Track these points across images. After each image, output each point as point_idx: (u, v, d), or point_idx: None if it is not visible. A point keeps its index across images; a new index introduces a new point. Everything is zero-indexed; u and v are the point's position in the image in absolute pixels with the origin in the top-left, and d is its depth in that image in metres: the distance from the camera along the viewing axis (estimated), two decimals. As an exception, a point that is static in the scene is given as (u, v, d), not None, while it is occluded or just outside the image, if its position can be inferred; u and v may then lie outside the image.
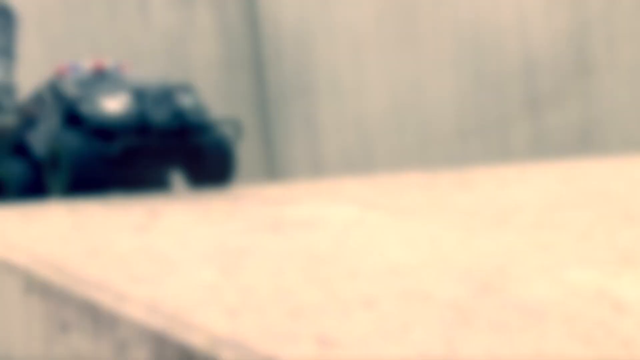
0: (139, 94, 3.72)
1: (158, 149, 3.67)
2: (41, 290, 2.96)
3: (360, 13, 12.17)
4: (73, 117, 3.88)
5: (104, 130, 3.70)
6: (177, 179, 4.62)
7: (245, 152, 12.74)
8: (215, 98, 13.08)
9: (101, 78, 4.05)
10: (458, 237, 3.44)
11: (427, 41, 11.28)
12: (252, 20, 14.11)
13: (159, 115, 3.59)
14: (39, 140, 4.09)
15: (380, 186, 4.33)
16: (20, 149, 4.51)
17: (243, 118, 12.90)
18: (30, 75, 12.95)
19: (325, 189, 4.26)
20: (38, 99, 4.24)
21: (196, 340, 2.52)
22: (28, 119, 4.30)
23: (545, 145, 10.19)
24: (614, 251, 3.30)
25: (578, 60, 9.94)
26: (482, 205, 3.93)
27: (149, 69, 13.27)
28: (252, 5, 14.65)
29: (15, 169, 4.32)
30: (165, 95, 3.73)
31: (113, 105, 3.63)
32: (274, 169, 12.86)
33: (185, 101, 3.81)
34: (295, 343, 2.43)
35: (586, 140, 9.83)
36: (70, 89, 4.13)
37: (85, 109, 3.93)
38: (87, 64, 4.12)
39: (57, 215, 3.50)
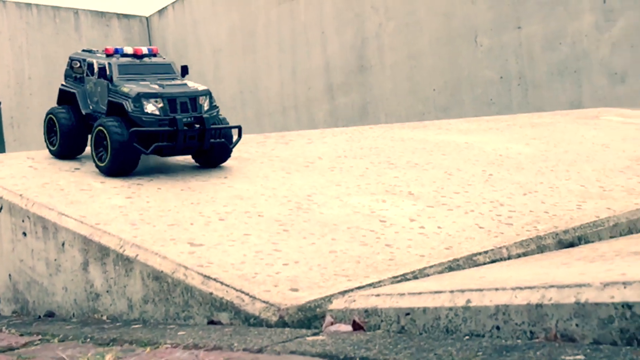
0: (172, 100, 3.19)
1: (180, 148, 3.24)
2: (9, 209, 2.88)
3: (217, 31, 12.10)
4: (118, 106, 3.23)
5: (144, 131, 3.13)
6: None
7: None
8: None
9: (140, 63, 3.35)
10: (280, 176, 3.43)
11: (261, 50, 11.29)
12: (148, 37, 13.89)
13: (186, 120, 3.14)
14: (84, 98, 3.41)
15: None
16: (68, 98, 3.61)
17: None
18: (3, 72, 12.67)
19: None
20: (88, 66, 3.41)
21: (110, 242, 2.48)
22: (76, 74, 3.48)
23: (337, 118, 10.28)
24: (381, 185, 3.34)
25: (358, 63, 10.02)
26: (296, 156, 3.93)
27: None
28: (148, 27, 14.54)
29: (64, 114, 3.48)
30: (192, 101, 3.22)
31: (152, 109, 3.12)
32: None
33: (204, 106, 3.29)
34: (174, 244, 2.40)
35: (363, 115, 9.94)
36: (116, 74, 3.27)
37: (130, 108, 3.14)
38: (128, 50, 3.39)
39: (20, 161, 3.40)
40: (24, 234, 2.86)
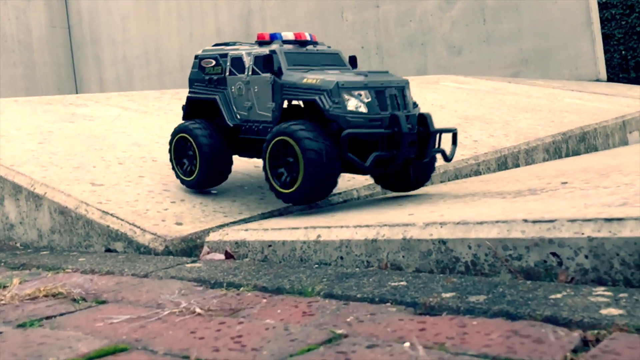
0: (380, 93, 1.99)
1: (402, 158, 1.98)
2: None
3: (125, 0, 11.71)
4: (306, 104, 2.07)
5: (363, 134, 1.93)
6: None
7: (61, 77, 12.27)
8: (48, 46, 12.34)
9: (307, 52, 2.17)
10: (174, 127, 3.35)
11: (163, 17, 10.97)
12: (65, 4, 13.29)
13: (407, 120, 1.97)
14: (228, 105, 2.22)
15: (134, 98, 4.17)
16: (201, 109, 2.36)
17: (61, 58, 12.44)
18: None
19: (102, 98, 4.06)
20: (232, 62, 2.20)
21: (22, 181, 2.39)
22: (210, 76, 2.27)
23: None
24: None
25: (245, 30, 9.90)
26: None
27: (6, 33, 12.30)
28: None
29: (203, 131, 2.24)
30: (401, 94, 2.04)
31: (357, 105, 1.95)
32: (77, 87, 12.33)
33: (412, 101, 2.08)
34: (78, 184, 2.32)
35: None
36: (285, 65, 2.07)
37: (328, 104, 1.93)
38: (288, 35, 2.18)
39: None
40: None
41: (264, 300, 1.30)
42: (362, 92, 1.96)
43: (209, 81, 2.28)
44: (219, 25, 10.37)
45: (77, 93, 12.33)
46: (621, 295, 1.09)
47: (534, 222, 1.32)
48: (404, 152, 1.95)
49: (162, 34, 11.10)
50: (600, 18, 8.89)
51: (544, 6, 7.88)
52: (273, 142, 1.98)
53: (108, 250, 2.05)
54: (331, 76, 2.01)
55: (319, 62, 2.18)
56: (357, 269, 1.52)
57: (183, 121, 2.36)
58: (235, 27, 10.13)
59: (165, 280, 1.54)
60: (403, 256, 1.49)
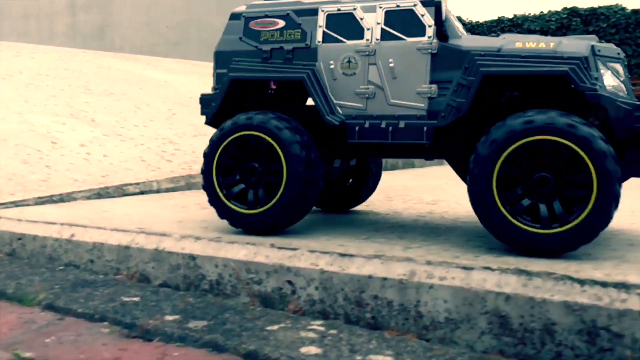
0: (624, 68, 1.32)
1: None
2: None
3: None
4: (539, 82, 1.39)
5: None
6: None
7: None
8: None
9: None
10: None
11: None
12: None
13: None
14: (327, 93, 1.45)
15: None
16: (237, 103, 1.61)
17: None
18: None
19: None
20: (334, 22, 1.46)
21: None
22: (273, 45, 1.51)
23: (76, 33, 9.76)
24: (68, 108, 3.17)
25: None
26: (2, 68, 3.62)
27: None
28: None
29: (288, 129, 1.40)
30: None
31: (614, 83, 1.27)
32: None
33: None
34: None
35: (100, 35, 9.50)
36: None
37: (587, 80, 1.23)
38: None
39: None
40: None
41: (-25, 306, 1.22)
42: (618, 66, 1.34)
43: (271, 53, 1.53)
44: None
45: None
46: (331, 332, 1.11)
47: (280, 248, 1.31)
48: None
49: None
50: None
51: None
52: (517, 145, 1.22)
53: None
54: (566, 40, 1.36)
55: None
56: (102, 277, 1.46)
57: (240, 117, 1.48)
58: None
59: None
60: (153, 267, 1.45)
